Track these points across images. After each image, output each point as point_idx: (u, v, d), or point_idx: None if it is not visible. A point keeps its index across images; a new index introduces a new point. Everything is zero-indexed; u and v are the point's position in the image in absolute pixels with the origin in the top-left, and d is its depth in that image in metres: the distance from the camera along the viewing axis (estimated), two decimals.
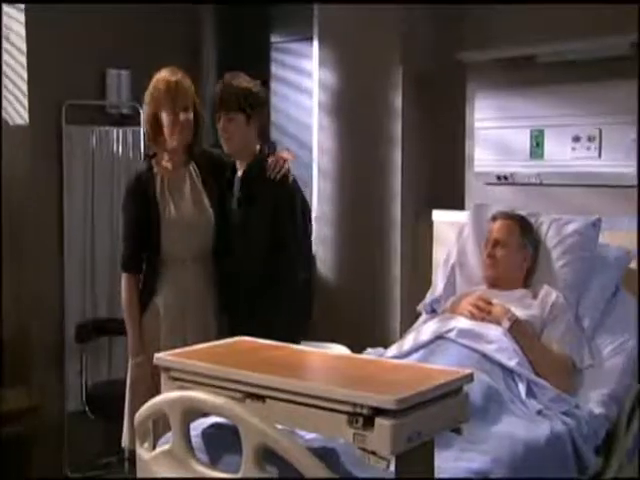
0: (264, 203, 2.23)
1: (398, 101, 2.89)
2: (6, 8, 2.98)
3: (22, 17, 2.93)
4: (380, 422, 1.32)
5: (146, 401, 1.65)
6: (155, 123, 2.25)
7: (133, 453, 1.76)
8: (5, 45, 3.00)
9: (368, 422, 1.33)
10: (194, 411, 1.57)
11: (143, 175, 2.28)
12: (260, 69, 3.53)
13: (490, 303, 2.25)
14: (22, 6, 2.93)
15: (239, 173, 2.32)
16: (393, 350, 2.26)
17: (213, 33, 3.46)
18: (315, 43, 3.16)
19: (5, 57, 3.02)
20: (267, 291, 2.21)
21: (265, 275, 2.22)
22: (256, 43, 3.51)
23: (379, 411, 1.32)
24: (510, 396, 1.95)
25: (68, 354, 3.11)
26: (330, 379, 1.56)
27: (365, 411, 1.33)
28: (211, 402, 1.49)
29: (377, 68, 2.95)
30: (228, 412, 1.47)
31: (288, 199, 2.24)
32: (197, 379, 1.57)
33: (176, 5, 3.28)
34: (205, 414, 1.65)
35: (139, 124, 3.09)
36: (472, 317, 2.22)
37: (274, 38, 3.56)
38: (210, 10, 3.46)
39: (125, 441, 2.24)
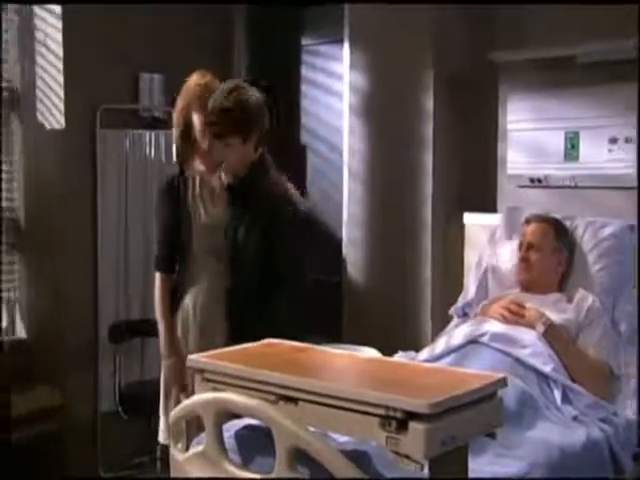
0: (260, 207, 2.20)
1: (429, 103, 2.87)
2: (43, 14, 3.05)
3: (59, 24, 2.98)
4: (414, 426, 1.31)
5: (179, 401, 1.66)
6: (187, 126, 2.28)
7: (166, 452, 1.78)
8: (42, 50, 3.07)
9: (401, 426, 1.32)
10: (227, 412, 1.58)
11: (175, 179, 2.31)
12: (290, 71, 3.54)
13: (523, 307, 2.22)
14: (59, 12, 2.98)
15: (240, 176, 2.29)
16: (425, 354, 2.24)
17: (244, 36, 3.48)
18: (346, 45, 3.15)
19: (42, 62, 3.08)
20: (263, 293, 2.18)
21: (255, 276, 2.17)
22: (287, 45, 3.52)
23: (412, 415, 1.31)
24: (545, 402, 1.93)
25: (101, 354, 3.15)
26: (362, 382, 1.56)
27: (398, 415, 1.32)
28: (244, 404, 1.50)
29: (408, 70, 2.93)
30: (261, 414, 1.48)
31: (286, 203, 2.20)
32: (230, 381, 1.58)
33: (207, 8, 3.30)
34: (238, 416, 1.66)
35: (171, 127, 3.11)
36: (504, 320, 2.19)
37: (304, 40, 3.56)
38: (241, 13, 3.48)
39: (161, 438, 2.28)
